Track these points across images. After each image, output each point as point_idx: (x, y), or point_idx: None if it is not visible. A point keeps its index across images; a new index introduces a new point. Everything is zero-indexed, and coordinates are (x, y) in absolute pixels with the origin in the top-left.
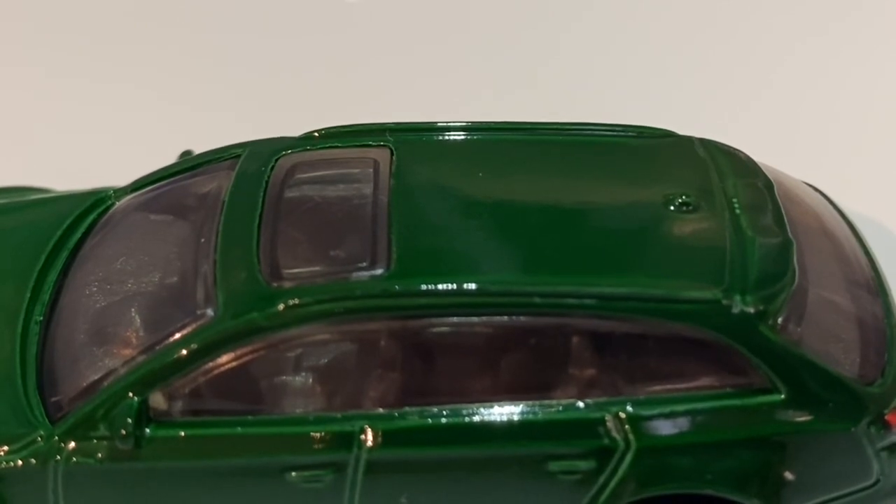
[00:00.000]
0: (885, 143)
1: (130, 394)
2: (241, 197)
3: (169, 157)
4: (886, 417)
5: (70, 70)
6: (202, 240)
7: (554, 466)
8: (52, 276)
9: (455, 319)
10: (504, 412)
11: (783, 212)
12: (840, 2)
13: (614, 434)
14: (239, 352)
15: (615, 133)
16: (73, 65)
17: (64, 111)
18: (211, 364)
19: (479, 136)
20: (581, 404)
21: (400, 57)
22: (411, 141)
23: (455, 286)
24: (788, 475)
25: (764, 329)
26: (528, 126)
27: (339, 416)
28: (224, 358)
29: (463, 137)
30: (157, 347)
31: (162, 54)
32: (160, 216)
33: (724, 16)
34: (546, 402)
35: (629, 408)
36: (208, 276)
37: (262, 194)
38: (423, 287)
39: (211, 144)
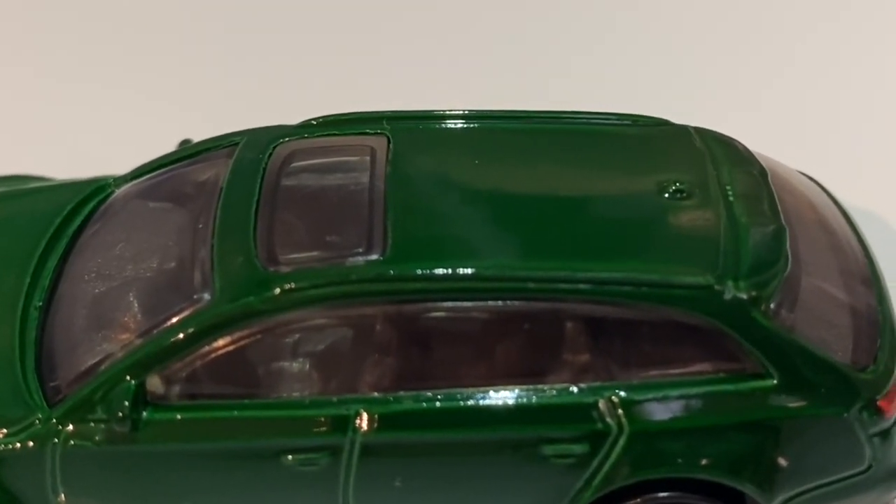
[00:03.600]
0: (884, 136)
1: (127, 377)
2: (238, 184)
3: (168, 146)
4: (878, 403)
5: (69, 59)
6: (200, 226)
7: (547, 450)
8: (52, 263)
9: (450, 304)
10: (498, 396)
11: (777, 200)
12: None
13: (607, 418)
14: (235, 336)
15: (611, 121)
16: (72, 53)
17: (63, 100)
18: (208, 348)
19: (476, 125)
20: (574, 389)
21: (397, 46)
22: (408, 129)
23: (450, 271)
24: (781, 460)
25: (756, 315)
26: (525, 114)
27: (334, 399)
28: (221, 342)
29: (459, 125)
30: (155, 331)
31: (161, 43)
32: (159, 203)
33: (725, 5)
34: (540, 386)
35: (622, 392)
36: (205, 262)
37: (259, 181)
38: (419, 272)
39: (209, 133)
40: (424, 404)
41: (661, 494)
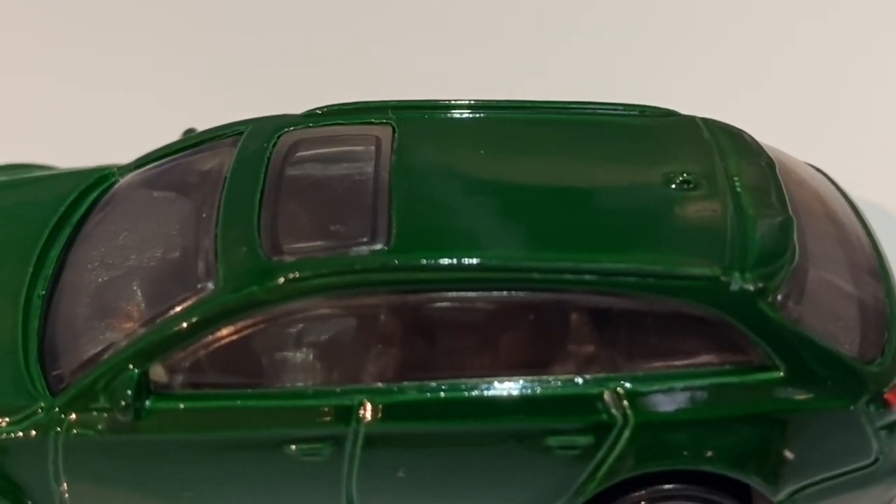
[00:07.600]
0: (889, 126)
1: (130, 366)
2: (242, 173)
3: (172, 135)
4: (886, 396)
5: (73, 48)
6: (204, 215)
7: (552, 441)
8: (55, 252)
9: (454, 294)
10: (503, 387)
11: (784, 191)
12: None
13: (612, 409)
14: (239, 325)
15: (618, 112)
16: (76, 43)
17: (67, 89)
18: (211, 337)
19: (482, 114)
20: (579, 380)
21: (402, 35)
22: (413, 118)
23: (454, 261)
24: (787, 453)
25: (763, 306)
26: (531, 104)
27: (338, 389)
28: (224, 331)
29: (465, 115)
30: (158, 320)
31: (165, 32)
32: (163, 192)
33: None
34: (545, 377)
35: (627, 384)
36: (209, 251)
37: (263, 170)
38: (423, 262)
39: (214, 122)
40: (428, 394)
41: (667, 486)
